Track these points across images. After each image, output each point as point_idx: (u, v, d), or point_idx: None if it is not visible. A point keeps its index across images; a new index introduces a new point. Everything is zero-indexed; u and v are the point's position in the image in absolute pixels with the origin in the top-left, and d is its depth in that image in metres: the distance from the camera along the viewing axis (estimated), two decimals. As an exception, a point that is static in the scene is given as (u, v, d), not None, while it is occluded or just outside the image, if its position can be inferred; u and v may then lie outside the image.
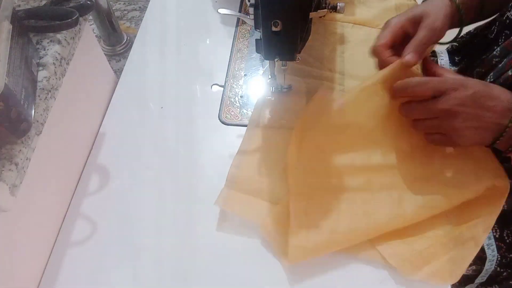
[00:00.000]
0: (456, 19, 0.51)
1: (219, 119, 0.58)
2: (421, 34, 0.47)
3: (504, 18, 0.54)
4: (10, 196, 0.36)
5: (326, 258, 0.45)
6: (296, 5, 0.41)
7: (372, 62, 0.58)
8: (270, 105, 0.58)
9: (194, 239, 0.48)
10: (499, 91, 0.43)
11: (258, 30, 0.46)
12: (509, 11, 0.53)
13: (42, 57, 0.42)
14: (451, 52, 0.70)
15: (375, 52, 0.50)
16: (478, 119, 0.42)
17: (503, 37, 0.54)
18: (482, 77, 0.55)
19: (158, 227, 0.49)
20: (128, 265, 0.47)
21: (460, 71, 0.65)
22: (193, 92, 0.62)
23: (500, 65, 0.52)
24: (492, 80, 0.53)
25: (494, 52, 0.53)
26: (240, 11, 0.72)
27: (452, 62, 0.70)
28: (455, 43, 0.69)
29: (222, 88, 0.62)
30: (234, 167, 0.52)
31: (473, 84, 0.43)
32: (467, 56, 0.66)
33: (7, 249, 0.40)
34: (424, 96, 0.45)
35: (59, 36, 0.44)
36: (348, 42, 0.65)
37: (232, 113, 0.59)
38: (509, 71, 0.50)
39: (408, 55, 0.46)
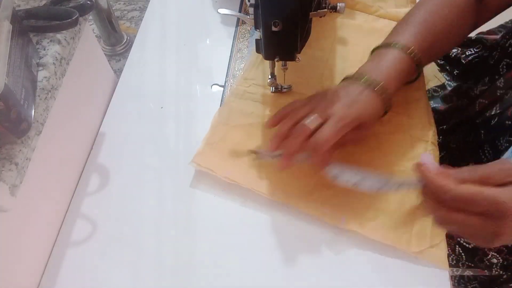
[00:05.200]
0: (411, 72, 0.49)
1: (219, 119, 0.58)
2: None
3: (507, 45, 0.51)
4: (10, 196, 0.36)
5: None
6: (296, 5, 0.41)
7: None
8: (269, 103, 0.58)
9: (194, 239, 0.48)
10: None
11: (258, 30, 0.46)
12: None
13: (42, 57, 0.42)
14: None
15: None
16: None
17: (505, 67, 0.51)
18: (485, 108, 0.52)
19: (158, 227, 0.49)
20: (128, 265, 0.47)
21: (457, 91, 0.62)
22: (193, 92, 0.62)
23: (507, 97, 0.49)
24: (498, 111, 0.50)
25: (498, 83, 0.50)
26: (240, 11, 0.72)
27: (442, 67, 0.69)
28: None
29: (222, 88, 0.62)
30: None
31: None
32: (464, 73, 0.64)
33: (7, 249, 0.40)
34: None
35: (59, 36, 0.44)
36: (347, 30, 0.66)
37: (232, 113, 0.59)
38: None
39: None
